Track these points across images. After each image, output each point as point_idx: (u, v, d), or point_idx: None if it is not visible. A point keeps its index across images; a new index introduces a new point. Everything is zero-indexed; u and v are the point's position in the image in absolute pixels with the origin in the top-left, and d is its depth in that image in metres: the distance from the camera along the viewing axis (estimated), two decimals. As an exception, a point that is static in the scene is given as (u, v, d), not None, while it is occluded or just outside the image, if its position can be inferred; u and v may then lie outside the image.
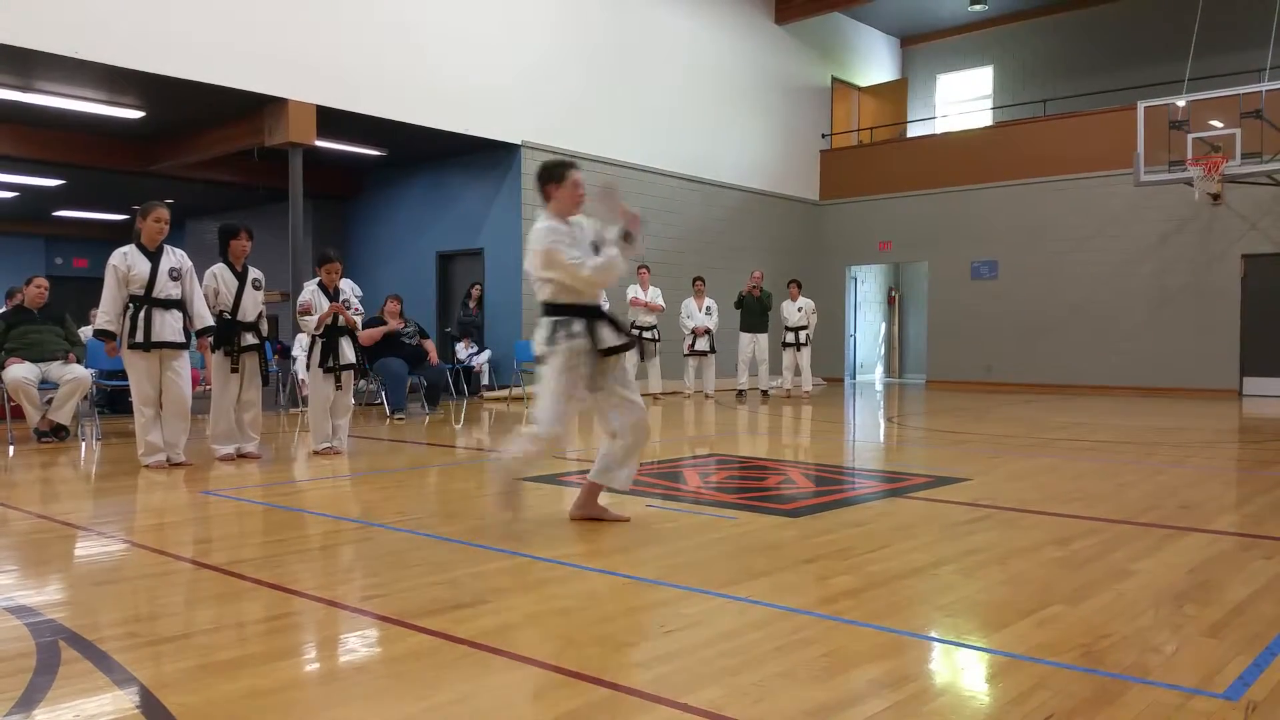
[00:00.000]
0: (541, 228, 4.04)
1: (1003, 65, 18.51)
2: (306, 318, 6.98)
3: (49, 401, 7.59)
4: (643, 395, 14.44)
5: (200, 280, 6.51)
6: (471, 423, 9.66)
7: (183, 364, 6.36)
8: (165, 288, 6.21)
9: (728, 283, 14.68)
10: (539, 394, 4.14)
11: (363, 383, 10.93)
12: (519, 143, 12.77)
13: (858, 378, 18.96)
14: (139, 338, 6.11)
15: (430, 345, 10.52)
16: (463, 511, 4.85)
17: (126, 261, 6.15)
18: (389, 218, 15.12)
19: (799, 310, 13.75)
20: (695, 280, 13.29)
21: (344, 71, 10.84)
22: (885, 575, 3.40)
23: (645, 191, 14.41)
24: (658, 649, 2.61)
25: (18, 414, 7.72)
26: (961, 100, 19.17)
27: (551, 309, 4.08)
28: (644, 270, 12.86)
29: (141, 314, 6.12)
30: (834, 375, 17.88)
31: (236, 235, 6.64)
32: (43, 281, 8.14)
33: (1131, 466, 6.40)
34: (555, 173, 4.12)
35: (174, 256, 6.32)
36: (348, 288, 7.28)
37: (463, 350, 12.95)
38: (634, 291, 12.67)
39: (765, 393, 13.79)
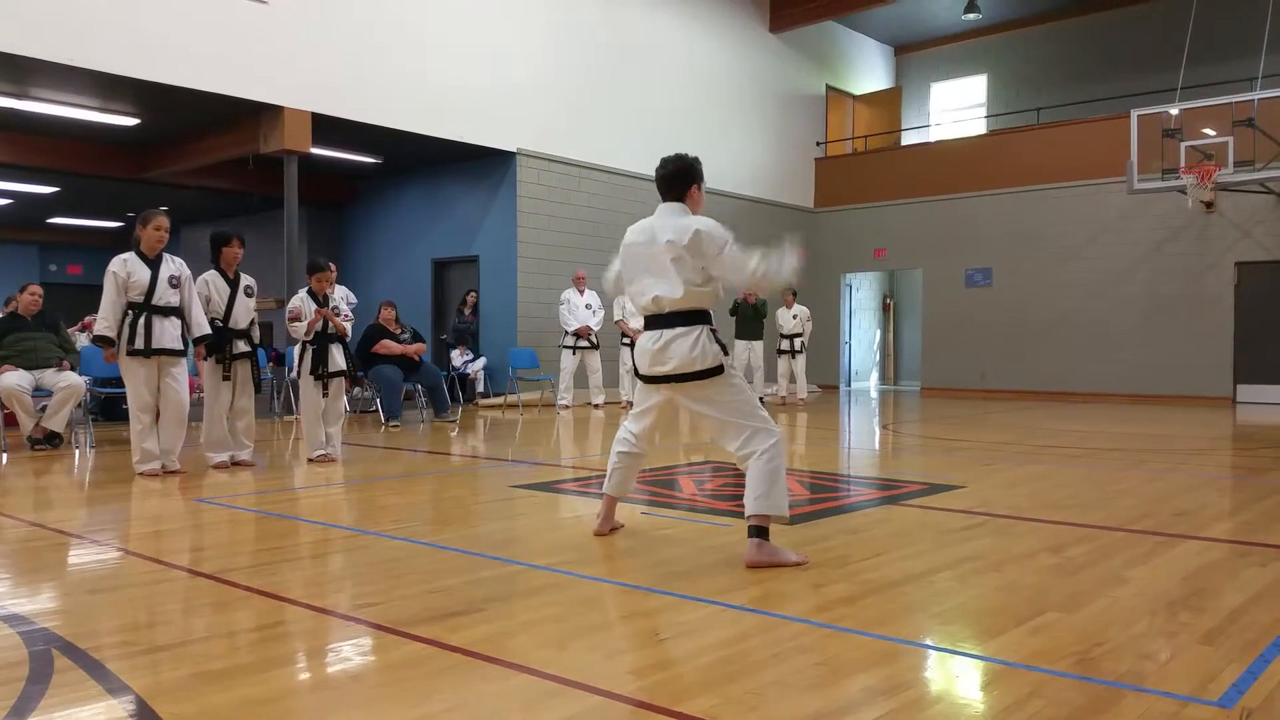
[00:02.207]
0: (711, 222, 3.78)
1: (996, 74, 18.58)
2: (296, 324, 6.98)
3: (43, 409, 7.57)
4: (630, 402, 14.29)
5: (193, 288, 6.50)
6: (466, 430, 9.65)
7: (181, 371, 6.35)
8: (164, 295, 6.20)
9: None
10: (734, 409, 3.74)
11: (358, 390, 10.92)
12: (514, 150, 12.78)
13: (853, 385, 18.97)
14: (139, 344, 6.10)
15: (420, 346, 10.45)
16: (457, 519, 4.84)
17: (126, 268, 6.14)
18: (384, 225, 15.12)
19: (794, 318, 13.78)
20: (691, 287, 13.26)
21: (339, 79, 10.85)
22: (880, 583, 3.40)
23: (640, 199, 14.42)
24: (652, 657, 2.60)
25: (11, 421, 7.69)
26: (955, 108, 19.23)
27: (698, 316, 3.77)
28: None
29: (141, 320, 6.11)
30: (829, 382, 17.90)
31: (229, 242, 6.64)
32: (36, 289, 8.11)
33: (1125, 474, 6.41)
34: (700, 173, 3.92)
35: (173, 264, 6.32)
36: (340, 295, 7.28)
37: (458, 357, 12.95)
38: (620, 310, 12.63)
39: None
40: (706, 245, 3.73)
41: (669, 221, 3.83)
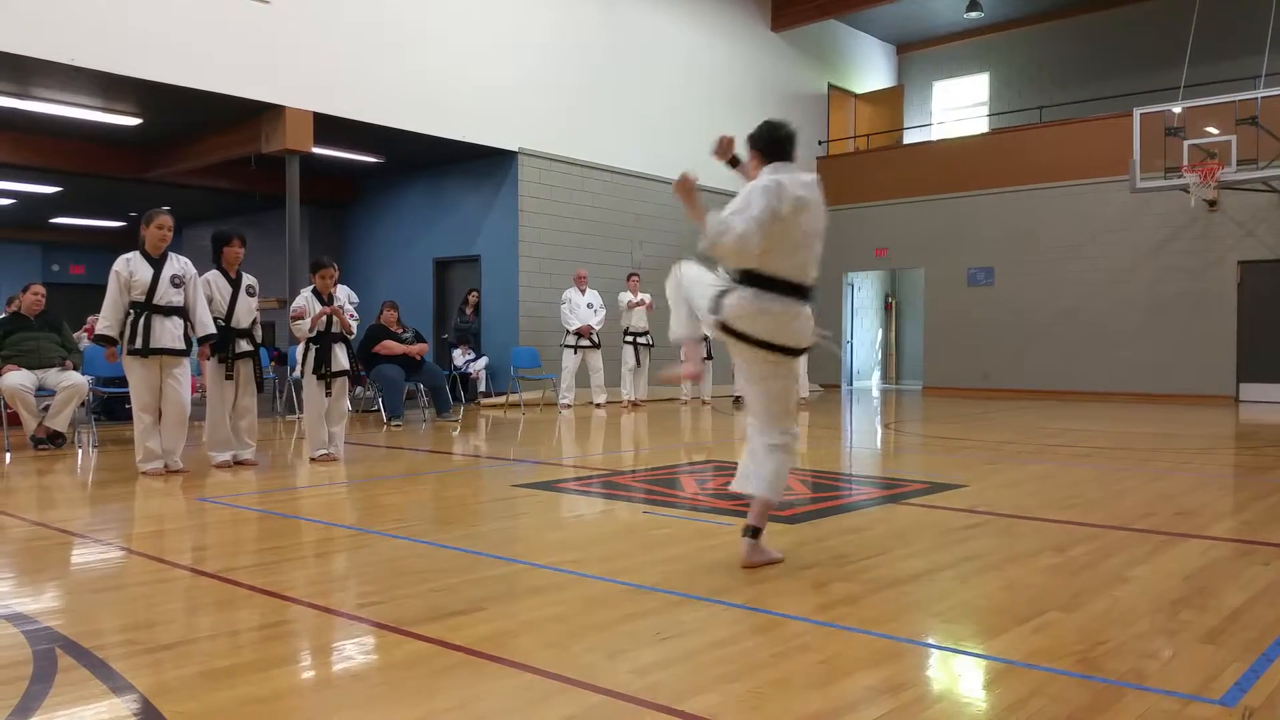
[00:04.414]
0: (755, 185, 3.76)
1: (999, 72, 18.56)
2: (299, 322, 6.98)
3: (46, 409, 7.58)
4: (632, 401, 14.12)
5: (196, 287, 6.51)
6: (468, 429, 9.65)
7: (183, 371, 6.35)
8: (166, 294, 6.20)
9: (725, 289, 14.70)
10: None
11: (360, 390, 10.93)
12: (516, 150, 12.78)
13: (854, 384, 18.96)
14: (138, 344, 6.11)
15: (422, 346, 10.48)
16: (459, 518, 4.85)
17: (129, 268, 6.15)
18: (386, 224, 15.13)
19: (795, 317, 13.77)
20: (693, 287, 13.28)
21: (341, 78, 10.85)
22: (882, 582, 3.40)
23: (642, 198, 14.44)
24: (653, 656, 2.61)
25: (14, 421, 7.70)
26: (958, 107, 19.21)
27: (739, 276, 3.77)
28: (634, 277, 12.88)
29: (141, 320, 6.12)
30: (831, 382, 17.88)
31: (230, 242, 6.65)
32: (39, 288, 8.11)
33: (1128, 473, 6.41)
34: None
35: (177, 264, 6.32)
36: (343, 294, 7.29)
37: (460, 357, 12.96)
38: (625, 297, 12.73)
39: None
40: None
41: None
